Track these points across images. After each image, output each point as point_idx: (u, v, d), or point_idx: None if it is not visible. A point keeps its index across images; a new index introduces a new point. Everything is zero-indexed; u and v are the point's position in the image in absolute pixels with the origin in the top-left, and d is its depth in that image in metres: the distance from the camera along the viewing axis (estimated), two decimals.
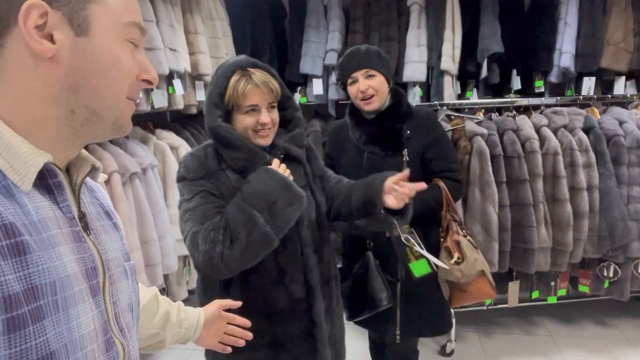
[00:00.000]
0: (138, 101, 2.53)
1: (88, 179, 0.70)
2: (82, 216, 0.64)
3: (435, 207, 1.84)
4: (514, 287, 2.76)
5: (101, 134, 0.64)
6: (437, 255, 1.88)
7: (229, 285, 1.37)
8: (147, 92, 2.65)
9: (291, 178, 1.33)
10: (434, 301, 1.93)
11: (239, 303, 1.20)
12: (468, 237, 1.91)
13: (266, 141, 1.36)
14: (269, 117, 1.33)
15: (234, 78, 1.31)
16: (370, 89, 1.77)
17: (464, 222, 2.55)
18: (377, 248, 1.87)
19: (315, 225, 1.44)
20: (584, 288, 2.80)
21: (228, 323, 1.18)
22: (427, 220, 1.89)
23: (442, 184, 1.83)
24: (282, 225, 1.26)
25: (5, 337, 0.47)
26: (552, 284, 2.79)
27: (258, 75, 1.32)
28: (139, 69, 0.64)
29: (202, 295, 1.46)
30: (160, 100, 2.70)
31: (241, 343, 1.20)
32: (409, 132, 1.81)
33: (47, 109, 0.58)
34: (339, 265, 1.89)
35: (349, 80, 1.83)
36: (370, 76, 1.78)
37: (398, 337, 1.92)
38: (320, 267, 1.44)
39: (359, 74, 1.79)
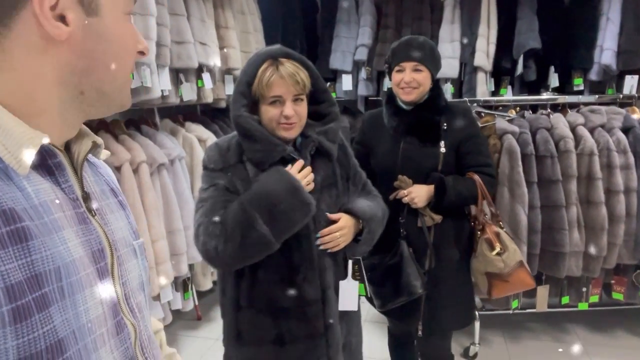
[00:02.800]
0: (167, 94, 2.59)
1: (91, 155, 0.67)
2: (86, 196, 0.61)
3: (469, 200, 1.85)
4: (542, 291, 2.67)
5: (105, 112, 0.62)
6: (474, 247, 1.91)
7: (240, 278, 1.36)
8: (177, 84, 2.70)
9: (311, 186, 1.29)
10: (460, 294, 1.93)
11: None
12: (505, 229, 1.93)
13: (291, 134, 1.31)
14: (294, 109, 1.28)
15: (262, 67, 1.27)
16: (415, 81, 1.79)
17: None
18: (408, 238, 1.87)
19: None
20: (618, 295, 2.67)
21: None
22: (458, 213, 1.92)
23: (476, 177, 1.83)
24: (283, 230, 1.23)
25: (12, 328, 0.46)
26: (584, 289, 2.68)
27: (287, 66, 1.27)
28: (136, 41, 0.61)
29: (221, 282, 1.45)
30: (189, 93, 2.75)
31: None
32: (445, 124, 1.82)
33: (53, 92, 0.55)
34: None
35: (396, 68, 1.83)
36: (418, 70, 1.79)
37: (420, 331, 1.91)
38: (335, 269, 1.40)
39: (408, 65, 1.80)
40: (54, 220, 0.53)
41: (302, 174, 1.27)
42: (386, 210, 1.56)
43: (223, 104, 3.25)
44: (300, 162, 1.29)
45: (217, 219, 1.24)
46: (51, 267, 0.50)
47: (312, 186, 1.29)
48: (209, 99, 3.02)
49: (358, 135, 2.09)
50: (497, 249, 1.84)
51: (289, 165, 1.29)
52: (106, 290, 0.59)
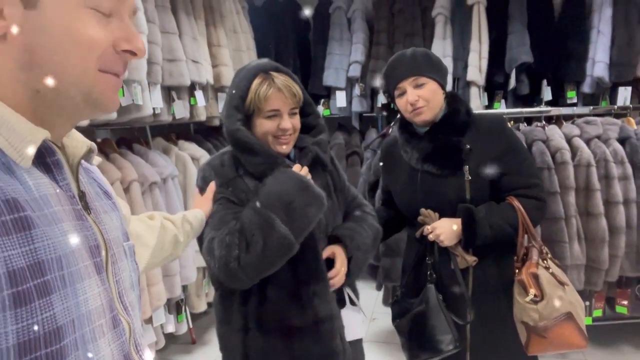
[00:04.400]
0: (159, 112, 2.56)
1: (84, 161, 0.68)
2: (82, 195, 0.63)
3: (512, 233, 1.52)
4: None
5: (76, 111, 0.60)
6: (512, 289, 1.56)
7: (246, 300, 1.30)
8: (169, 102, 2.68)
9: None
10: (514, 349, 1.59)
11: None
12: (552, 270, 1.55)
13: (286, 149, 1.30)
14: (290, 123, 1.27)
15: (256, 81, 1.26)
16: (421, 100, 1.52)
17: None
18: (440, 281, 1.60)
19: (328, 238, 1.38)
20: (621, 309, 2.62)
21: None
22: (504, 250, 1.58)
23: (517, 203, 1.52)
24: (302, 227, 1.20)
25: (12, 312, 0.47)
26: (587, 303, 2.62)
27: (281, 79, 1.27)
28: (114, 38, 0.58)
29: (221, 311, 1.37)
30: (181, 111, 2.73)
31: None
32: (468, 145, 1.53)
33: (17, 90, 0.55)
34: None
35: (396, 92, 1.57)
36: (420, 85, 1.52)
37: None
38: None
39: (406, 84, 1.53)
40: (53, 213, 0.55)
41: (303, 171, 1.27)
42: (379, 230, 1.49)
43: (216, 122, 3.23)
44: (297, 166, 1.28)
45: (232, 228, 1.19)
46: (53, 256, 0.52)
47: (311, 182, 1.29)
48: (202, 116, 2.99)
49: (381, 170, 1.86)
50: (531, 295, 1.47)
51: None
52: (102, 284, 0.60)
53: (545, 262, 1.56)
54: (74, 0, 0.55)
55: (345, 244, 1.35)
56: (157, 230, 1.13)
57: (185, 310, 2.84)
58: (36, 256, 0.50)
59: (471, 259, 1.54)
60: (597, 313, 2.68)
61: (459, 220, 1.51)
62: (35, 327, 0.49)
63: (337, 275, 1.33)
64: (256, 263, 1.16)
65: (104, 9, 0.57)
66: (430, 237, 1.54)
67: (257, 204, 1.19)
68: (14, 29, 0.53)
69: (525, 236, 1.57)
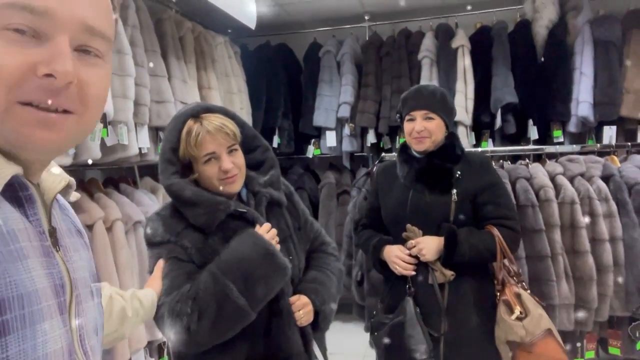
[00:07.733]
0: (146, 151, 2.60)
1: (60, 197, 0.67)
2: (53, 231, 0.61)
3: (487, 256, 1.67)
4: None
5: (15, 151, 0.56)
6: (495, 309, 1.68)
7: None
8: (156, 142, 2.72)
9: (278, 247, 1.22)
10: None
11: None
12: (529, 291, 1.70)
13: (235, 187, 1.25)
14: (231, 162, 1.22)
15: (185, 129, 1.21)
16: (426, 130, 1.73)
17: None
18: (418, 295, 1.72)
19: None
20: (614, 350, 2.55)
21: None
22: (479, 271, 1.74)
23: (496, 231, 1.68)
24: (261, 297, 1.15)
25: None
26: (579, 344, 2.56)
27: (211, 119, 1.22)
28: (34, 62, 0.51)
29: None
30: None
31: None
32: (459, 173, 1.72)
33: None
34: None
35: (407, 117, 1.78)
36: (429, 118, 1.74)
37: None
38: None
39: (418, 114, 1.75)
40: (20, 249, 0.53)
41: (269, 235, 1.20)
42: (342, 271, 1.49)
43: None
44: (267, 225, 1.22)
45: (184, 295, 1.13)
46: (15, 294, 0.50)
47: (279, 246, 1.22)
48: None
49: (370, 188, 2.03)
50: (517, 313, 1.60)
51: (257, 226, 1.22)
52: (64, 326, 0.58)
53: (521, 284, 1.72)
54: None
55: (311, 300, 1.31)
56: (105, 299, 1.06)
57: (168, 354, 2.77)
58: None
59: (449, 273, 1.67)
60: (590, 355, 2.60)
61: (441, 238, 1.67)
62: None
63: (298, 302, 1.28)
64: (207, 333, 1.11)
65: (24, 28, 0.50)
66: (414, 251, 1.70)
67: (216, 269, 1.13)
68: None
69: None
